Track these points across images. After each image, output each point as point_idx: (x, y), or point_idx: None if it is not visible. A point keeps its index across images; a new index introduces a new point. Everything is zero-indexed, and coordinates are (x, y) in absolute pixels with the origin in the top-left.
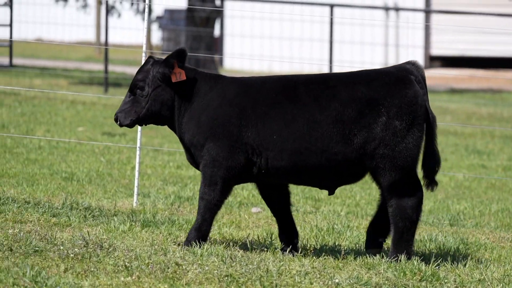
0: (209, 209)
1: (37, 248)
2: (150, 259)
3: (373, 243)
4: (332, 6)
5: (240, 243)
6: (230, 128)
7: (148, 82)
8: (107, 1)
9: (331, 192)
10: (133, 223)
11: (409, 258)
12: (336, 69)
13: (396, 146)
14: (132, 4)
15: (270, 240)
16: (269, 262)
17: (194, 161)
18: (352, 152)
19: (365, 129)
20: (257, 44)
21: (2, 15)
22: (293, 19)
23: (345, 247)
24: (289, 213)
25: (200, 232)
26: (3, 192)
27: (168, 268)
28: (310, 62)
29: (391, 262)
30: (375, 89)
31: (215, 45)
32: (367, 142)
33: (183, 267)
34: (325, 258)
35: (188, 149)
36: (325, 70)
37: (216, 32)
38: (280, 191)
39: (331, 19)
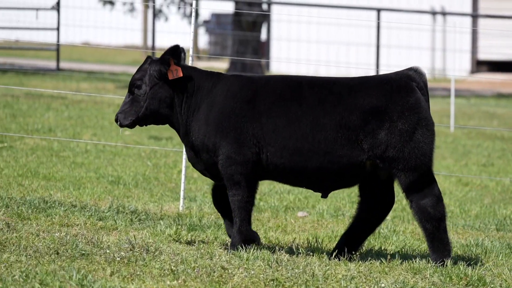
0: (242, 208)
1: (83, 252)
2: (196, 263)
3: (339, 251)
4: (379, 10)
5: (286, 247)
6: (235, 120)
7: (146, 81)
8: (154, 5)
9: (324, 195)
10: (179, 227)
11: (450, 257)
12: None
13: (405, 147)
14: (179, 8)
15: (316, 244)
16: (315, 266)
17: (198, 162)
18: (359, 156)
19: (370, 135)
20: (304, 48)
21: (49, 19)
22: (340, 23)
23: (391, 252)
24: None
25: (242, 234)
26: (50, 195)
27: (214, 272)
28: (357, 67)
29: (437, 266)
30: (377, 96)
31: (262, 49)
32: (374, 147)
33: (229, 271)
34: (371, 263)
35: (193, 149)
36: (372, 74)
37: (263, 36)
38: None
39: (378, 23)
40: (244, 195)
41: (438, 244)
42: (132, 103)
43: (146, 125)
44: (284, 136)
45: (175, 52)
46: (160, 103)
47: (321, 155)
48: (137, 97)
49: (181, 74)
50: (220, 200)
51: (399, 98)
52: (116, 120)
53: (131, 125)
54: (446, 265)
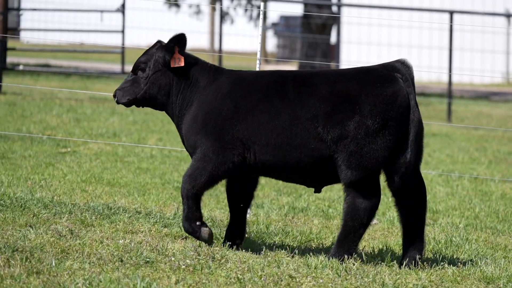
0: (189, 197)
1: (148, 259)
2: (263, 271)
3: (409, 259)
4: (451, 12)
5: (355, 255)
6: (222, 122)
7: (150, 65)
8: (221, 8)
9: (317, 190)
10: (246, 234)
11: (346, 259)
12: (456, 78)
13: (365, 145)
14: (246, 10)
15: (386, 252)
16: (385, 275)
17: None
18: (326, 149)
19: (338, 126)
20: (374, 52)
21: (114, 21)
22: (412, 26)
23: (463, 260)
24: (245, 214)
25: (189, 220)
26: (114, 201)
27: (282, 280)
28: (429, 70)
29: (331, 259)
30: (353, 87)
31: (331, 52)
32: (340, 139)
33: (297, 279)
34: (442, 272)
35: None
36: (444, 78)
37: (333, 39)
38: (246, 191)
39: (451, 26)
40: (196, 188)
41: (347, 244)
42: (133, 83)
43: (142, 107)
44: (267, 132)
45: (181, 41)
46: (159, 90)
47: (298, 149)
48: (138, 79)
49: (182, 64)
50: (234, 197)
51: (374, 89)
52: (114, 96)
53: (127, 104)
54: (343, 260)
